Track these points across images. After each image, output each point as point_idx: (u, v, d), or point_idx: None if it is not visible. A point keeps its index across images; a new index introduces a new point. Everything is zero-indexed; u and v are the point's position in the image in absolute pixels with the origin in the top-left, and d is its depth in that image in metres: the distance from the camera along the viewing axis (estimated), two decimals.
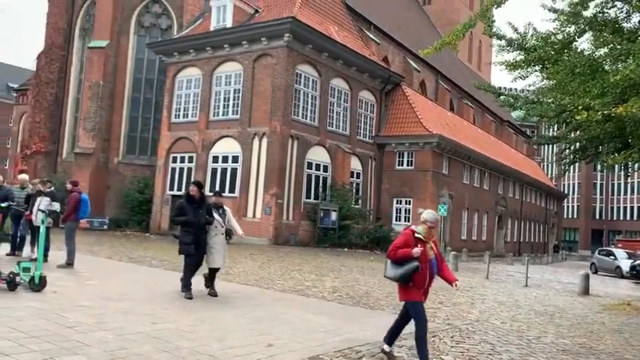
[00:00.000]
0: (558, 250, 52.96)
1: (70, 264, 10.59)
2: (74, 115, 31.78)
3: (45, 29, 32.66)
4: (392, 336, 5.72)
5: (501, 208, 39.45)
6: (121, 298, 7.76)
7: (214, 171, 25.00)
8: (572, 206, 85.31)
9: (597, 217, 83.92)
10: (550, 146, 73.37)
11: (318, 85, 25.64)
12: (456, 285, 5.46)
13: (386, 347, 5.70)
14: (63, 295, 7.62)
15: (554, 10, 10.39)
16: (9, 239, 11.65)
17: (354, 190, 27.74)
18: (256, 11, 26.14)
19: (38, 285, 7.64)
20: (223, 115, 25.20)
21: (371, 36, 32.19)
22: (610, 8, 9.94)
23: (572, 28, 10.17)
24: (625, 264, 27.91)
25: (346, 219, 25.35)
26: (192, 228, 8.20)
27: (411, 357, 5.81)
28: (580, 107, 9.17)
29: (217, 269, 8.80)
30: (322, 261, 17.16)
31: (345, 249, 24.10)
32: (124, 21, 29.49)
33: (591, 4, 9.86)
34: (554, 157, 63.37)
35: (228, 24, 25.33)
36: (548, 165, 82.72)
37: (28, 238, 11.84)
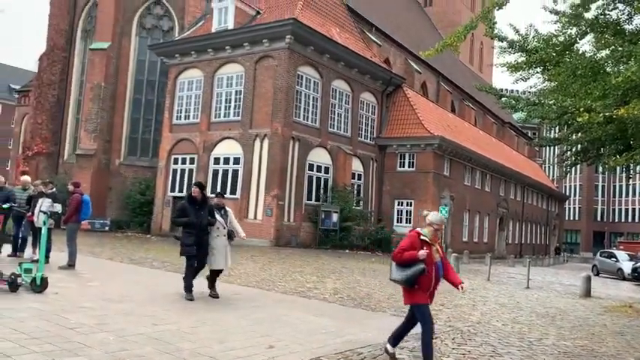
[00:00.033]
0: (560, 252, 52.87)
1: (71, 265, 10.61)
2: (76, 117, 31.84)
3: (47, 31, 32.74)
4: (397, 338, 5.69)
5: (503, 209, 39.41)
6: (122, 300, 7.76)
7: (215, 172, 25.02)
8: (574, 208, 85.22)
9: (599, 219, 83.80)
10: (551, 148, 73.40)
11: (319, 86, 25.65)
12: (462, 288, 5.42)
13: (389, 347, 5.66)
14: (64, 296, 7.63)
15: (556, 12, 10.38)
16: (10, 240, 11.68)
17: (355, 192, 27.73)
18: (258, 13, 26.18)
19: (40, 286, 7.65)
20: (225, 116, 25.22)
21: (372, 38, 32.22)
22: (611, 10, 9.93)
23: (573, 30, 10.17)
24: (626, 266, 27.87)
25: (347, 220, 25.34)
26: (194, 229, 8.18)
27: (412, 359, 5.80)
28: (581, 109, 9.17)
29: (219, 271, 8.79)
30: (323, 262, 17.15)
31: (347, 250, 24.09)
32: (125, 23, 29.54)
33: (593, 6, 9.86)
34: (556, 159, 63.39)
35: (230, 26, 25.36)
36: (549, 167, 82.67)
37: (30, 239, 11.87)
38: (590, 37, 10.29)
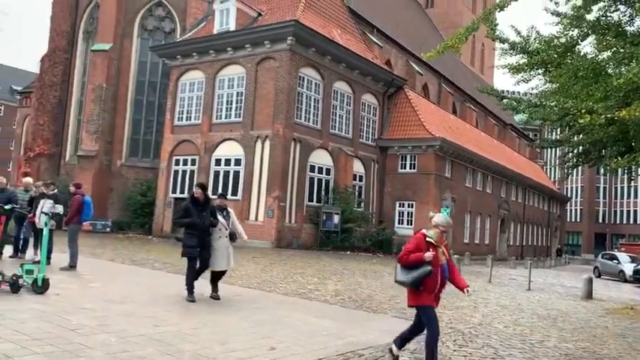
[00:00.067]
0: (561, 253, 52.82)
1: (72, 266, 10.61)
2: (77, 118, 31.87)
3: (48, 32, 32.79)
4: (403, 340, 5.60)
5: (504, 211, 39.38)
6: (123, 301, 7.77)
7: (217, 174, 25.02)
8: (575, 210, 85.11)
9: (600, 220, 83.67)
10: (553, 149, 73.37)
11: (320, 88, 25.66)
12: (467, 291, 5.36)
13: (394, 349, 5.58)
14: (66, 297, 7.63)
15: (557, 14, 10.39)
16: (12, 241, 11.70)
17: (356, 193, 27.72)
18: (259, 14, 26.20)
19: (41, 287, 7.65)
20: (226, 117, 25.23)
21: (374, 39, 32.23)
22: (613, 12, 9.93)
23: (575, 32, 10.16)
24: (628, 268, 27.83)
25: (349, 222, 25.32)
26: (197, 230, 8.16)
27: None
28: (583, 111, 9.16)
29: (222, 272, 8.76)
30: (325, 264, 17.14)
31: (348, 252, 24.07)
32: (127, 24, 29.59)
33: (594, 8, 9.86)
34: (557, 161, 63.28)
35: (232, 27, 25.39)
36: (551, 168, 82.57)
37: (31, 240, 11.88)
38: (591, 38, 10.29)
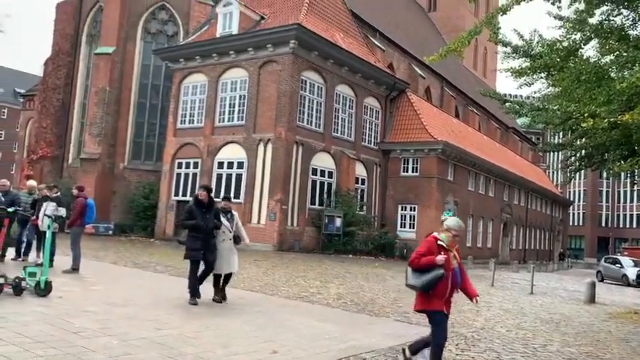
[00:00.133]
0: (564, 257, 52.66)
1: (75, 269, 10.62)
2: (80, 121, 31.96)
3: (52, 35, 32.93)
4: (418, 347, 5.48)
5: (506, 215, 39.31)
6: (125, 304, 7.77)
7: (219, 177, 25.05)
8: (578, 214, 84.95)
9: (603, 224, 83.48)
10: (555, 153, 73.08)
11: (323, 91, 25.69)
12: (476, 301, 5.29)
13: (408, 353, 5.48)
14: (68, 300, 7.63)
15: (560, 18, 10.39)
16: (14, 243, 11.73)
17: (358, 197, 27.71)
18: (262, 18, 26.26)
19: (44, 290, 7.66)
20: (229, 121, 25.28)
21: (376, 43, 32.27)
22: (616, 16, 9.93)
23: (577, 36, 10.17)
24: (631, 272, 27.75)
25: (351, 225, 25.31)
26: (201, 233, 8.12)
27: None
28: (586, 114, 9.14)
29: (228, 275, 8.74)
30: (327, 267, 17.13)
31: (350, 255, 24.05)
32: (130, 27, 29.70)
33: (597, 12, 9.86)
34: (560, 165, 63.22)
35: (234, 30, 25.45)
36: (553, 172, 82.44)
37: (34, 243, 11.89)
38: (594, 42, 10.29)
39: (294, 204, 23.81)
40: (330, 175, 26.18)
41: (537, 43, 10.80)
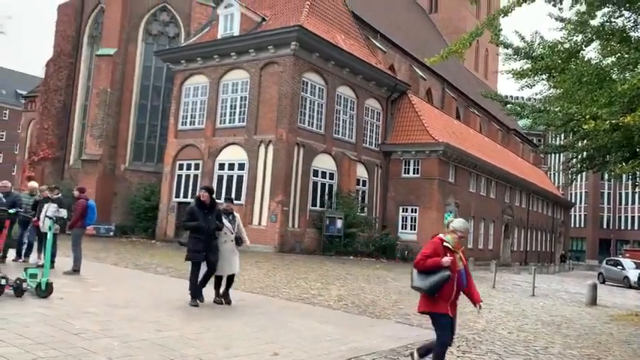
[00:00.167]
0: (565, 259, 52.61)
1: (76, 270, 10.62)
2: (82, 122, 32.01)
3: (53, 37, 32.98)
4: (427, 350, 5.41)
5: (508, 216, 39.28)
6: (126, 305, 7.77)
7: (220, 178, 25.05)
8: (580, 215, 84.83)
9: (605, 226, 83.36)
10: (557, 155, 73.15)
11: (324, 92, 25.70)
12: (479, 307, 5.26)
13: (416, 356, 5.44)
14: (69, 301, 7.63)
15: (562, 19, 10.39)
16: (15, 244, 11.74)
17: (359, 198, 27.70)
18: (263, 19, 26.28)
19: (45, 291, 7.66)
20: (230, 122, 25.29)
21: (377, 44, 32.29)
22: (617, 17, 9.93)
23: (579, 37, 10.16)
24: (633, 274, 27.72)
25: (352, 227, 25.29)
26: (203, 234, 8.10)
27: None
28: (587, 116, 9.14)
29: (230, 277, 8.72)
30: (328, 269, 17.12)
31: (351, 257, 24.04)
32: (132, 29, 29.74)
33: (598, 14, 9.86)
34: (561, 166, 63.13)
35: (236, 32, 25.48)
36: (555, 174, 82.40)
37: (35, 244, 11.90)
38: (595, 44, 10.29)
39: (295, 205, 23.80)
40: (331, 176, 26.18)
41: (539, 44, 10.80)
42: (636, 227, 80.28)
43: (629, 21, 9.96)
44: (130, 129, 29.78)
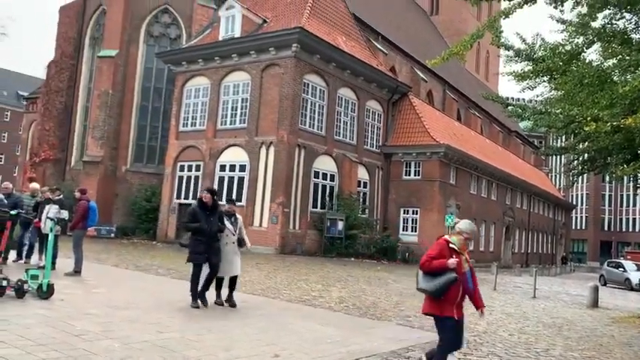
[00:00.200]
0: (566, 261, 52.56)
1: (77, 272, 10.62)
2: (83, 124, 32.05)
3: (55, 39, 33.04)
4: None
5: (509, 218, 39.25)
6: (127, 307, 7.76)
7: (221, 179, 25.06)
8: (581, 217, 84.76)
9: (606, 228, 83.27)
10: (558, 157, 73.14)
11: (325, 94, 25.71)
12: (482, 312, 5.22)
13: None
14: (70, 302, 7.63)
15: (563, 21, 10.40)
16: (16, 246, 11.75)
17: (360, 200, 27.69)
18: (264, 21, 26.31)
19: (46, 293, 7.66)
20: (231, 124, 25.31)
21: (378, 46, 32.32)
22: (619, 19, 9.94)
23: (580, 39, 10.17)
24: (634, 276, 27.68)
25: (353, 228, 25.27)
26: (205, 236, 8.07)
27: None
28: (589, 118, 9.15)
29: (233, 278, 8.70)
30: (329, 271, 17.11)
31: (352, 259, 24.02)
32: (133, 30, 29.78)
33: (600, 16, 9.87)
34: (563, 168, 63.12)
35: (237, 34, 25.51)
36: (556, 176, 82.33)
37: (37, 245, 11.91)
38: (597, 46, 10.31)
39: (296, 207, 23.80)
40: (332, 178, 26.18)
41: (540, 46, 10.82)
42: (637, 229, 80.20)
43: (631, 23, 9.97)
44: (132, 130, 29.81)
